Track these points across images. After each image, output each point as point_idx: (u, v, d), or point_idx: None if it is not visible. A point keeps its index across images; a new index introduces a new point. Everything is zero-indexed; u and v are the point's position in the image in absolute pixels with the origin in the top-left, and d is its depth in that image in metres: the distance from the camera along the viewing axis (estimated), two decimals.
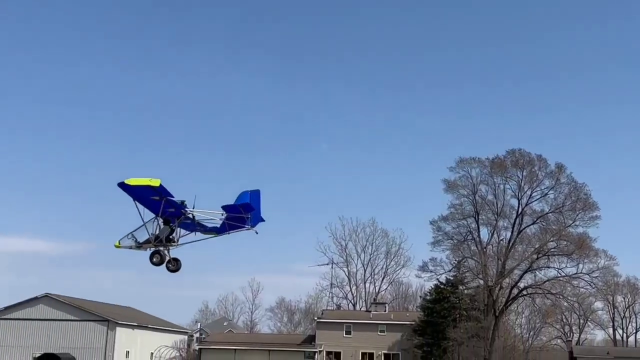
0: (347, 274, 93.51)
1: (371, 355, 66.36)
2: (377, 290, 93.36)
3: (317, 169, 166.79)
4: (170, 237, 25.63)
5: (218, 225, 24.94)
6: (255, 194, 25.18)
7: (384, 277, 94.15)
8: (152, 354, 71.26)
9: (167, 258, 25.49)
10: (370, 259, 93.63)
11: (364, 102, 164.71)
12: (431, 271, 71.44)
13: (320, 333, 68.02)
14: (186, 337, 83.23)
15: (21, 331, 69.20)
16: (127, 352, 68.82)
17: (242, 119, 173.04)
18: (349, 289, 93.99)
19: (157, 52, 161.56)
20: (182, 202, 25.45)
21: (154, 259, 25.91)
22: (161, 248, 25.58)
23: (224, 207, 24.47)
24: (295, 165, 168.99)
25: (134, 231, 25.85)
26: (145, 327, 74.28)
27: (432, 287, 68.04)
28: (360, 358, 65.79)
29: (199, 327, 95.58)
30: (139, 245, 26.02)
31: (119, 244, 25.84)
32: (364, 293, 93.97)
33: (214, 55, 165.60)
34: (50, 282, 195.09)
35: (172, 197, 24.08)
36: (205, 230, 25.31)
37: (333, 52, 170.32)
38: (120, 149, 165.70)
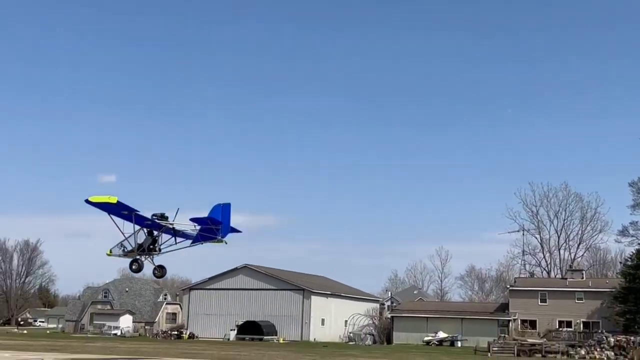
0: (539, 240, 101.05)
1: (569, 323, 72.57)
2: (572, 257, 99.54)
3: (503, 134, 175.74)
4: (152, 246, 30.57)
5: (193, 236, 30.04)
6: (226, 207, 29.62)
7: (579, 244, 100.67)
8: (346, 321, 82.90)
9: (153, 265, 31.12)
10: (564, 224, 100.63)
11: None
12: (632, 236, 76.61)
13: (514, 301, 74.68)
14: (378, 305, 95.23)
15: (224, 300, 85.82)
16: (323, 320, 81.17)
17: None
18: (542, 256, 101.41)
19: None
20: (163, 214, 30.59)
21: (133, 267, 31.32)
22: (141, 257, 30.86)
23: (194, 220, 29.68)
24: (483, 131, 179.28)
25: (122, 241, 30.86)
26: (339, 296, 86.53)
27: (634, 252, 72.47)
28: (557, 326, 73.90)
29: (389, 295, 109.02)
30: (125, 254, 31.20)
31: (110, 252, 31.30)
32: (558, 260, 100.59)
33: None
34: (248, 254, 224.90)
35: (135, 211, 28.96)
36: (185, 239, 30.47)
37: None
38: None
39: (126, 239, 31.08)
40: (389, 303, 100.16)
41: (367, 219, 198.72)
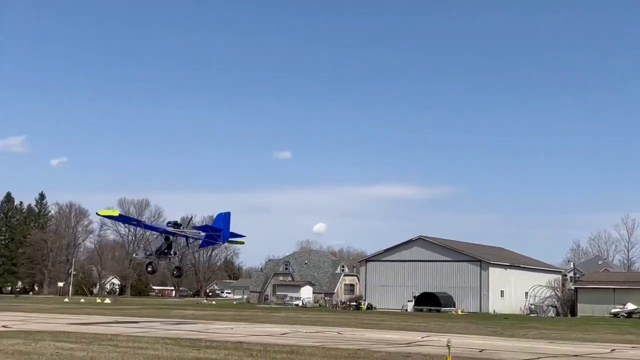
0: None
1: None
2: None
3: None
4: (167, 250, 34.83)
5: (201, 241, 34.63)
6: (227, 216, 33.71)
7: None
8: (526, 293, 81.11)
9: (173, 266, 35.36)
10: None
11: None
12: None
13: None
14: (560, 276, 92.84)
15: (400, 272, 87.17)
16: (502, 292, 79.91)
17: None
18: None
19: None
20: (176, 222, 35.41)
21: (148, 269, 36.64)
22: (155, 260, 35.70)
23: (197, 228, 34.85)
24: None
25: (145, 245, 36.22)
26: (518, 267, 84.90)
27: None
28: None
29: (572, 266, 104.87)
30: (147, 257, 35.88)
31: (135, 256, 38.45)
32: None
33: None
34: (421, 225, 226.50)
35: (140, 221, 35.46)
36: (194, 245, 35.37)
37: None
38: None
39: (149, 243, 36.17)
40: (571, 274, 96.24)
41: (544, 188, 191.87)
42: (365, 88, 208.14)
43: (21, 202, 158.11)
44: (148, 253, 36.44)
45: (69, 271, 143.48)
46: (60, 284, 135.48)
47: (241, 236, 36.36)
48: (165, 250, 35.38)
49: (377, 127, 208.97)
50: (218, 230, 34.51)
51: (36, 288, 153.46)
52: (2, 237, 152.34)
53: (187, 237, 35.24)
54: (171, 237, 35.18)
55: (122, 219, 45.78)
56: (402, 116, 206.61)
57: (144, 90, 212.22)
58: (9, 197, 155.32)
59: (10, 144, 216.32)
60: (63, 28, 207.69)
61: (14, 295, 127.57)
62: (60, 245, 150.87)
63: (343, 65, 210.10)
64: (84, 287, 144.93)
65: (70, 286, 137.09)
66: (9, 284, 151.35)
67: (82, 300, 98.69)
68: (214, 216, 38.76)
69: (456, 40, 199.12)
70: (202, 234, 35.02)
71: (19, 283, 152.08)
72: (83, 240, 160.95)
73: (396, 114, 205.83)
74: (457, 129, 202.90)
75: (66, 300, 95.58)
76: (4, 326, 28.71)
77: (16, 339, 21.33)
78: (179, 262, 40.69)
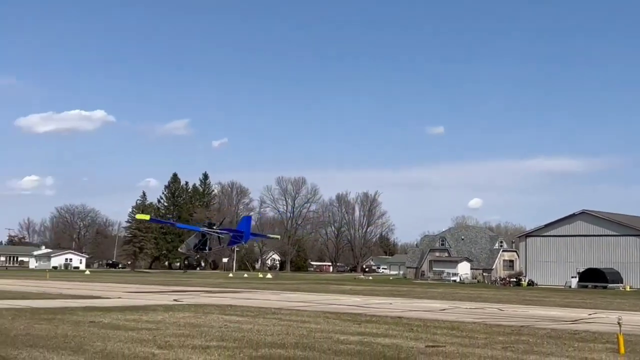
0: None
1: None
2: None
3: None
4: (202, 247, 40.95)
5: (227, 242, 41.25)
6: (249, 219, 45.23)
7: None
8: None
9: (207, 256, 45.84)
10: None
11: None
12: None
13: None
14: None
15: (562, 247, 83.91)
16: None
17: None
18: None
19: None
20: (210, 223, 42.12)
21: (185, 262, 65.71)
22: (193, 254, 45.27)
23: (225, 230, 41.62)
24: None
25: (186, 241, 43.49)
26: None
27: None
28: None
29: None
30: (188, 251, 43.78)
31: (180, 250, 46.19)
32: None
33: None
34: (582, 199, 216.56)
35: (171, 223, 74.03)
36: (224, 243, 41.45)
37: None
38: None
39: (190, 238, 43.72)
40: None
41: None
42: (522, 55, 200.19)
43: (186, 182, 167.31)
44: (188, 248, 43.03)
45: (232, 248, 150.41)
46: (225, 260, 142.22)
47: (264, 236, 52.70)
48: (201, 246, 41.18)
49: (534, 96, 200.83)
50: (240, 232, 41.04)
51: (202, 264, 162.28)
52: (170, 216, 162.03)
53: (219, 236, 40.77)
54: (207, 235, 40.64)
55: (154, 220, 74.94)
56: (564, 81, 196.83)
57: (304, 78, 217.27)
58: (175, 178, 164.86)
59: (175, 127, 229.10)
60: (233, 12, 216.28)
61: (182, 271, 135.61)
62: (223, 222, 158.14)
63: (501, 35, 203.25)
64: (247, 262, 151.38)
65: (234, 262, 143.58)
66: (177, 260, 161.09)
67: (246, 275, 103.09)
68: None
69: None
70: (230, 233, 41.50)
71: (187, 259, 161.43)
72: None
73: (555, 81, 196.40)
74: (620, 97, 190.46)
75: (230, 275, 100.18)
76: (175, 300, 30.45)
77: (187, 312, 22.52)
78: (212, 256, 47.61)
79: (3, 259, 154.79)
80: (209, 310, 23.62)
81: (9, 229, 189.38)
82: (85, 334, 14.86)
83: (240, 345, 13.72)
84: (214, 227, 41.57)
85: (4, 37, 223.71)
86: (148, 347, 13.08)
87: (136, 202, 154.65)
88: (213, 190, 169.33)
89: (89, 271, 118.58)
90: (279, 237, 68.47)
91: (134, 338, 14.43)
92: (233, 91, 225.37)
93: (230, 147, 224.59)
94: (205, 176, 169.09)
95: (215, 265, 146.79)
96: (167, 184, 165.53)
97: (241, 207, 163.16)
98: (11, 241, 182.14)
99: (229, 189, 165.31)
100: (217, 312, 22.50)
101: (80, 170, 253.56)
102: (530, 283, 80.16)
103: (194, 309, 23.83)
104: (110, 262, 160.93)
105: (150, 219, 64.08)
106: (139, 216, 66.10)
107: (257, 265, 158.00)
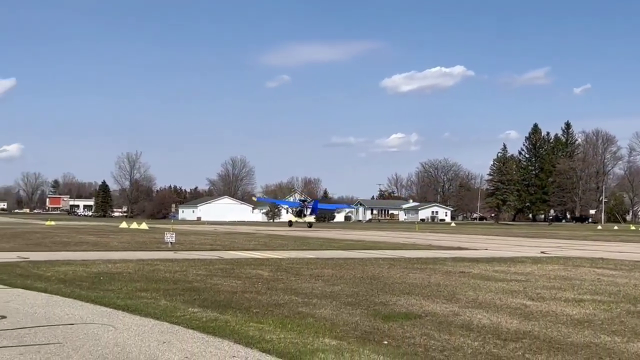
0: None
1: None
2: None
3: None
4: (299, 215, 67.22)
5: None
6: (317, 202, 74.32)
7: None
8: None
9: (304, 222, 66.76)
10: None
11: None
12: None
13: None
14: None
15: None
16: None
17: None
18: None
19: None
20: (302, 199, 71.14)
21: (288, 225, 67.70)
22: (294, 219, 68.25)
23: (310, 202, 69.77)
24: None
25: (289, 210, 72.22)
26: None
27: None
28: None
29: None
30: (295, 218, 68.22)
31: (287, 214, 73.00)
32: None
33: None
34: None
35: (275, 201, 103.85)
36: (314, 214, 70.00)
37: None
38: None
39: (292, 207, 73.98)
40: None
41: None
42: None
43: (547, 133, 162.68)
44: (291, 214, 70.88)
45: (600, 199, 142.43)
46: (592, 211, 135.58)
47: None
48: (299, 214, 69.01)
49: None
50: (316, 205, 71.61)
51: (567, 215, 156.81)
52: (532, 168, 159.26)
53: (312, 208, 69.60)
54: (302, 205, 69.39)
55: (261, 199, 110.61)
56: None
57: None
58: (536, 129, 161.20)
59: (535, 77, 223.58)
60: None
61: (547, 223, 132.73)
62: (589, 173, 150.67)
63: None
64: (616, 214, 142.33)
65: (602, 213, 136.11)
66: (541, 211, 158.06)
67: (615, 227, 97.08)
68: None
69: None
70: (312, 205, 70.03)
71: (551, 211, 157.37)
72: (612, 167, 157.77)
73: None
74: None
75: (599, 227, 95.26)
76: (542, 252, 29.97)
77: (555, 264, 22.01)
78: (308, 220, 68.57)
79: (375, 212, 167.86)
80: (578, 263, 22.77)
81: (379, 184, 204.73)
82: (456, 284, 15.41)
83: (616, 300, 12.99)
84: (306, 202, 70.52)
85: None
86: (519, 298, 13.08)
87: (497, 155, 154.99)
88: (576, 140, 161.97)
89: (454, 223, 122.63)
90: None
91: (504, 289, 14.55)
92: (597, 35, 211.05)
93: (594, 93, 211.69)
94: (568, 125, 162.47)
95: (583, 218, 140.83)
96: (527, 135, 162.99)
97: (608, 156, 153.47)
98: (382, 195, 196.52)
99: (594, 137, 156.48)
100: (587, 265, 21.59)
101: (442, 126, 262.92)
102: None
103: (562, 262, 23.19)
104: (476, 216, 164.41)
105: (257, 198, 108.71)
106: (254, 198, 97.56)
107: (628, 217, 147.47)
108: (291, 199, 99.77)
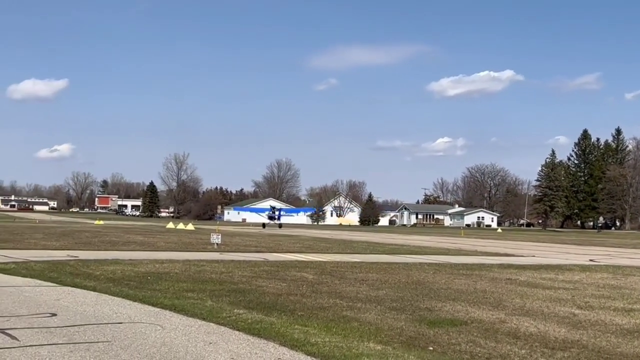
0: None
1: None
2: None
3: None
4: (271, 219, 76.79)
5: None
6: (281, 209, 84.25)
7: None
8: None
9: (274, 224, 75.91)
10: None
11: None
12: None
13: None
14: None
15: None
16: None
17: None
18: None
19: None
20: (272, 207, 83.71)
21: (262, 227, 73.48)
22: (267, 222, 76.51)
23: (278, 209, 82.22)
24: None
25: (265, 215, 78.23)
26: None
27: None
28: None
29: None
30: (267, 220, 76.66)
31: (264, 220, 77.79)
32: None
33: None
34: None
35: (271, 209, 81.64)
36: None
37: None
38: None
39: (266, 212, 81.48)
40: None
41: None
42: None
43: (597, 139, 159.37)
44: (266, 218, 77.96)
45: None
46: None
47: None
48: (271, 218, 77.39)
49: None
50: (280, 211, 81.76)
51: (617, 223, 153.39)
52: (581, 174, 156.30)
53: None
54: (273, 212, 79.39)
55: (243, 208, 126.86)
56: None
57: None
58: (585, 134, 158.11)
59: (585, 82, 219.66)
60: None
61: (595, 230, 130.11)
62: (639, 180, 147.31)
63: None
64: None
65: None
66: (590, 218, 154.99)
67: None
68: None
69: None
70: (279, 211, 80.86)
71: (600, 218, 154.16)
72: None
73: None
74: None
75: None
76: (590, 260, 29.40)
77: (604, 272, 21.59)
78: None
79: (420, 216, 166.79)
80: (628, 271, 22.29)
81: (425, 189, 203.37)
82: (503, 291, 15.22)
83: None
84: (275, 209, 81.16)
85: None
86: (567, 306, 12.86)
87: (545, 160, 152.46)
88: (627, 146, 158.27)
89: (501, 229, 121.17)
90: None
91: (551, 297, 14.32)
92: None
93: None
94: (618, 131, 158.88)
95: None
96: (576, 140, 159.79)
97: None
98: (427, 200, 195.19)
99: None
100: (638, 274, 21.14)
101: (489, 131, 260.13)
102: None
103: (612, 270, 22.72)
104: (523, 222, 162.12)
105: (234, 208, 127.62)
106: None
107: None
108: (267, 205, 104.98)
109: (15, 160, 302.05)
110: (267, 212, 79.80)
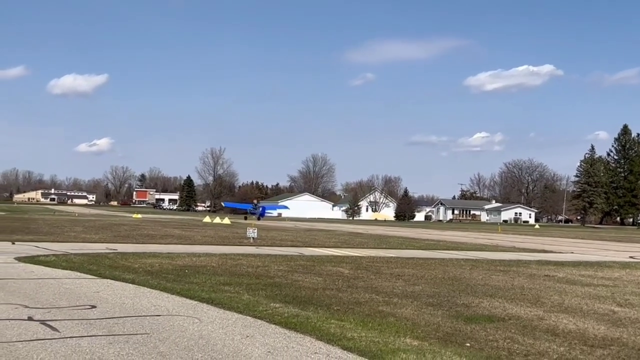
0: None
1: None
2: None
3: None
4: (252, 212, 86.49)
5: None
6: (264, 207, 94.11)
7: None
8: None
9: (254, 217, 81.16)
10: None
11: None
12: None
13: None
14: None
15: None
16: None
17: None
18: None
19: None
20: (254, 204, 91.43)
21: (244, 219, 79.15)
22: (249, 215, 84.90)
23: (261, 206, 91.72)
24: None
25: (247, 210, 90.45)
26: None
27: None
28: None
29: None
30: (250, 214, 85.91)
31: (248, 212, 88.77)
32: None
33: None
34: None
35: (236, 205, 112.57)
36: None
37: None
38: None
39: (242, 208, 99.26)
40: None
41: None
42: None
43: (638, 134, 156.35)
44: (248, 213, 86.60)
45: None
46: None
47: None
48: (252, 212, 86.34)
49: None
50: (264, 208, 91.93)
51: None
52: (621, 169, 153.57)
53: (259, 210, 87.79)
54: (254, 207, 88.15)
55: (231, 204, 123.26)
56: None
57: None
58: (625, 130, 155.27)
59: (626, 77, 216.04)
60: None
61: (635, 227, 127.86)
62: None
63: None
64: None
65: None
66: (630, 215, 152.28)
67: None
68: None
69: None
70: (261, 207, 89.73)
71: None
72: None
73: None
74: None
75: None
76: (630, 257, 28.94)
77: None
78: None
79: (456, 212, 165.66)
80: None
81: (461, 184, 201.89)
82: (541, 287, 15.04)
83: None
84: (255, 205, 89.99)
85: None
86: (607, 304, 12.66)
87: (584, 156, 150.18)
88: None
89: (538, 225, 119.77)
90: None
91: (590, 294, 14.11)
92: None
93: None
94: None
95: None
96: (616, 136, 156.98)
97: None
98: (463, 195, 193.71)
99: None
100: None
101: (528, 126, 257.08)
102: None
103: None
104: (562, 218, 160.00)
105: (224, 203, 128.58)
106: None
107: None
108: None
109: (56, 155, 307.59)
110: (250, 208, 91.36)
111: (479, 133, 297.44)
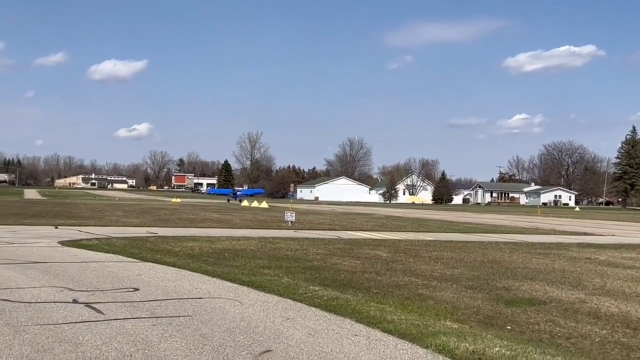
0: None
1: None
2: None
3: None
4: (234, 197, 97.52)
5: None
6: (249, 190, 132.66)
7: None
8: None
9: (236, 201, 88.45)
10: None
11: None
12: None
13: None
14: None
15: None
16: None
17: None
18: None
19: None
20: (234, 190, 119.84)
21: (227, 201, 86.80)
22: (230, 199, 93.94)
23: (241, 190, 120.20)
24: None
25: (230, 194, 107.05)
26: None
27: None
28: None
29: None
30: (231, 198, 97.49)
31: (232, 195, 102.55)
32: None
33: None
34: None
35: (218, 190, 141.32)
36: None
37: None
38: None
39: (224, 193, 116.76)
40: None
41: None
42: None
43: None
44: (231, 197, 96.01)
45: None
46: None
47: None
48: (234, 196, 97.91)
49: None
50: (245, 192, 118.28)
51: None
52: None
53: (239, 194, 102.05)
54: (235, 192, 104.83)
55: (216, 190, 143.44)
56: None
57: None
58: None
59: None
60: None
61: None
62: None
63: None
64: None
65: None
66: None
67: None
68: None
69: None
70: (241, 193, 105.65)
71: None
72: None
73: None
74: None
75: None
76: None
77: None
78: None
79: (495, 195, 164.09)
80: None
81: (500, 167, 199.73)
82: (582, 270, 14.86)
83: None
84: (236, 191, 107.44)
85: None
86: None
87: (626, 137, 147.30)
88: None
89: (578, 208, 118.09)
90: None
91: (633, 277, 13.91)
92: None
93: None
94: None
95: None
96: None
97: None
98: (502, 178, 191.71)
99: None
100: None
101: (568, 107, 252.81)
102: None
103: None
104: (602, 200, 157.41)
105: (209, 191, 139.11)
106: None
107: None
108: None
109: (95, 140, 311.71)
110: (231, 193, 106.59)
111: (519, 115, 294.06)
